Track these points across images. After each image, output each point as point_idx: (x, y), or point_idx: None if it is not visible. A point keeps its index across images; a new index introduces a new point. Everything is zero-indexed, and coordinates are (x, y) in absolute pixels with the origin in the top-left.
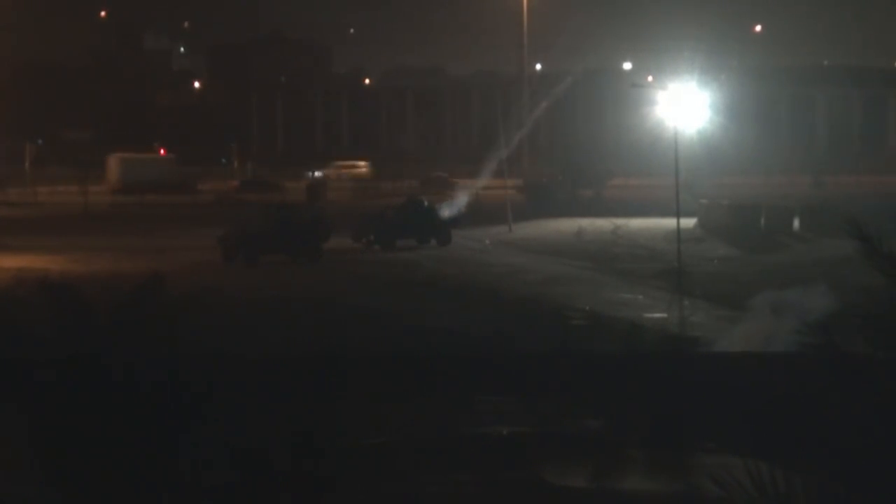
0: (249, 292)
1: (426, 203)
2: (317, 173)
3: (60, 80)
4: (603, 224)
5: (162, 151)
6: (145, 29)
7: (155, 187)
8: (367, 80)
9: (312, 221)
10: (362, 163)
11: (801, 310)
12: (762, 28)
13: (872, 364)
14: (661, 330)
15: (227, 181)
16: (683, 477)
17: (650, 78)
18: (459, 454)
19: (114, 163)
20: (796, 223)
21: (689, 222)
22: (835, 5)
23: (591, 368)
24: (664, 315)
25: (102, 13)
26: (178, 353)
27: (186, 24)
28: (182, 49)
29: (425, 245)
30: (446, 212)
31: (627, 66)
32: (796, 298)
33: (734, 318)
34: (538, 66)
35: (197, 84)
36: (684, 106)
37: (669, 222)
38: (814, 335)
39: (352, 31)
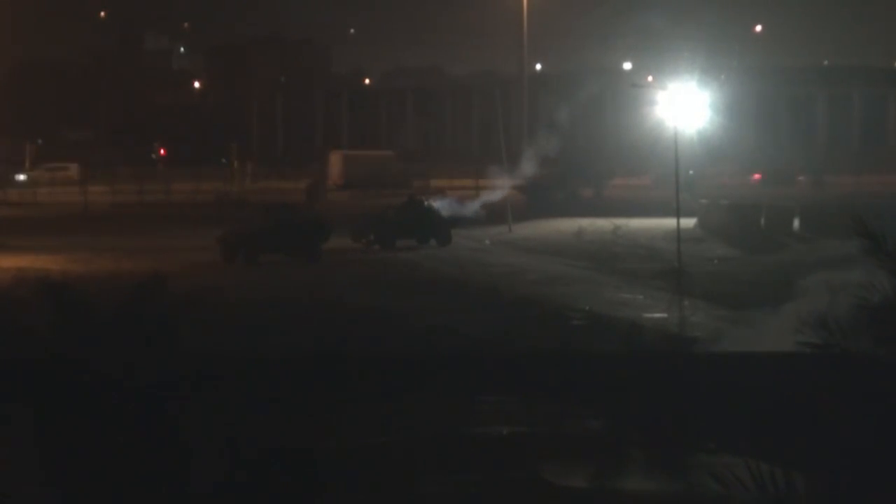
0: (249, 292)
1: (426, 203)
2: (21, 176)
3: (60, 80)
4: (603, 224)
5: (162, 151)
6: (145, 29)
7: (377, 184)
8: (367, 80)
9: (312, 221)
10: (72, 165)
11: (860, 287)
12: (762, 28)
13: (875, 363)
14: (661, 330)
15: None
16: (683, 477)
17: (650, 78)
18: (459, 454)
19: (336, 159)
20: (796, 223)
21: (689, 222)
22: (835, 5)
23: (591, 368)
24: (664, 315)
25: (102, 13)
26: (178, 353)
27: (186, 24)
28: (182, 49)
29: (425, 245)
30: (452, 209)
31: (627, 66)
32: (855, 276)
33: (734, 317)
34: (538, 66)
35: (197, 84)
36: (684, 106)
37: (669, 222)
38: (816, 334)
39: (352, 31)
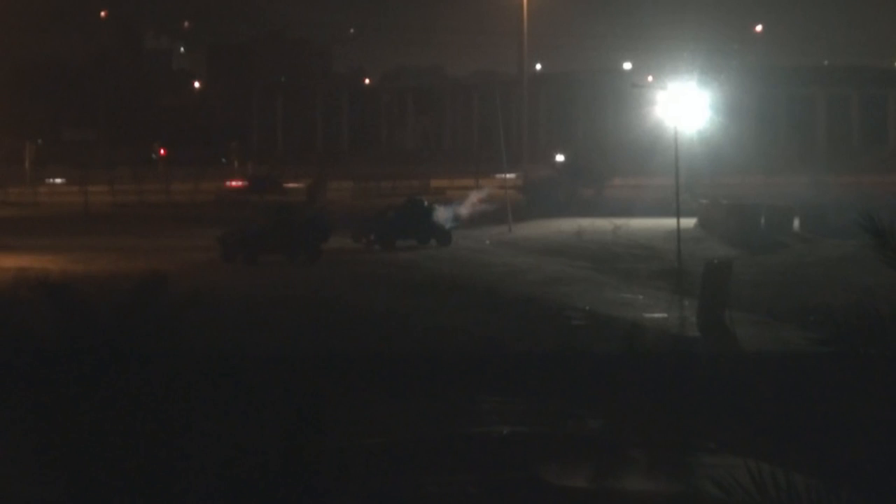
0: (249, 292)
1: (426, 203)
2: None
3: (60, 80)
4: (603, 224)
5: (162, 151)
6: (145, 29)
7: None
8: (367, 80)
9: (312, 221)
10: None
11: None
12: (762, 28)
13: (878, 362)
14: (661, 330)
15: None
16: (683, 477)
17: (650, 78)
18: (459, 454)
19: None
20: (796, 223)
21: (689, 222)
22: (835, 5)
23: (591, 368)
24: (664, 315)
25: (102, 13)
26: (178, 353)
27: (186, 24)
28: (182, 49)
29: (425, 245)
30: (448, 213)
31: (627, 66)
32: None
33: (733, 317)
34: (538, 66)
35: (197, 84)
36: (684, 106)
37: (669, 222)
38: (823, 334)
39: (352, 31)
